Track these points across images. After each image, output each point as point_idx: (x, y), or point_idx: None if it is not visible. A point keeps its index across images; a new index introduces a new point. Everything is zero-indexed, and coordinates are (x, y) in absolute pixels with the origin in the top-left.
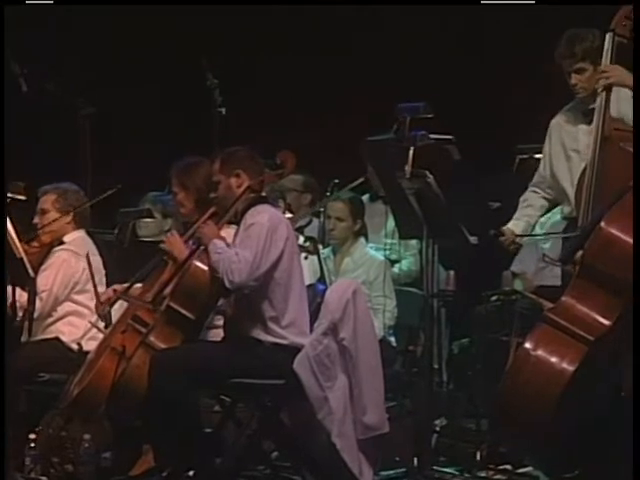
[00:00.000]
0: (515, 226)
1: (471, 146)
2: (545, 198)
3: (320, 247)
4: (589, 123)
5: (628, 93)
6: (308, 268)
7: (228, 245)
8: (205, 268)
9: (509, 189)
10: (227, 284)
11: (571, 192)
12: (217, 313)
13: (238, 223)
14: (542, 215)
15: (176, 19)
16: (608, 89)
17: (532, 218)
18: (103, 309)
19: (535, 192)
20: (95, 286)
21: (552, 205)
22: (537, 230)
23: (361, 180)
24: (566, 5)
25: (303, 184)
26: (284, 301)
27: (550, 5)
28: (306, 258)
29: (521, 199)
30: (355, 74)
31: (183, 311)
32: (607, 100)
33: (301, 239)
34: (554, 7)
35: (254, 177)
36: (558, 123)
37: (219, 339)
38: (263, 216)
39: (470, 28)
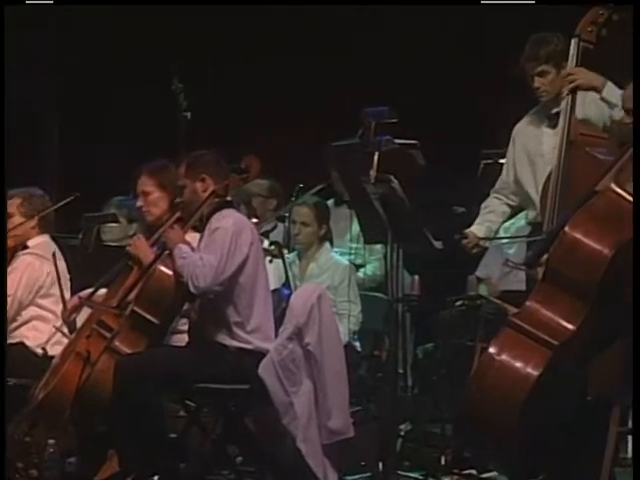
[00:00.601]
0: (478, 230)
1: (436, 151)
2: (507, 204)
3: (285, 252)
4: (553, 127)
5: (594, 96)
6: (273, 273)
7: (193, 250)
8: (170, 273)
9: (474, 194)
10: (192, 289)
11: (536, 197)
12: (182, 317)
13: (203, 228)
14: (505, 221)
15: (141, 22)
16: (574, 92)
17: (494, 224)
18: (69, 317)
19: (497, 198)
20: (62, 292)
21: (515, 211)
22: (501, 235)
23: (322, 186)
24: (566, 5)
25: (269, 189)
26: (249, 306)
27: (550, 5)
28: (271, 261)
29: (482, 205)
30: (320, 78)
31: (148, 316)
32: (573, 104)
33: (266, 243)
34: (554, 7)
35: (219, 182)
36: (522, 128)
37: (183, 344)
38: (228, 220)
39: (470, 28)
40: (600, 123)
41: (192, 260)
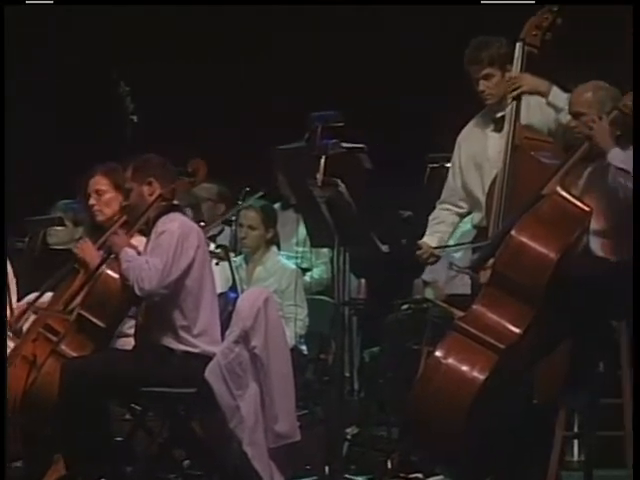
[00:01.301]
0: (430, 240)
1: (382, 155)
2: (457, 213)
3: (232, 255)
4: (499, 131)
5: (539, 100)
6: (220, 276)
7: (139, 253)
8: (116, 276)
9: (420, 198)
10: (137, 291)
11: (483, 201)
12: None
13: (149, 231)
14: (454, 230)
15: (88, 24)
16: (518, 98)
17: (445, 234)
18: (16, 323)
19: (445, 209)
20: (10, 298)
21: (464, 217)
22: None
23: (265, 191)
24: (566, 5)
25: (218, 194)
26: (195, 309)
27: (550, 5)
28: (217, 264)
29: (430, 217)
30: (267, 81)
31: (94, 319)
32: (517, 109)
33: (212, 246)
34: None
35: (166, 185)
36: (467, 132)
37: (130, 347)
38: (174, 224)
39: (470, 28)
40: (545, 127)
41: (138, 263)
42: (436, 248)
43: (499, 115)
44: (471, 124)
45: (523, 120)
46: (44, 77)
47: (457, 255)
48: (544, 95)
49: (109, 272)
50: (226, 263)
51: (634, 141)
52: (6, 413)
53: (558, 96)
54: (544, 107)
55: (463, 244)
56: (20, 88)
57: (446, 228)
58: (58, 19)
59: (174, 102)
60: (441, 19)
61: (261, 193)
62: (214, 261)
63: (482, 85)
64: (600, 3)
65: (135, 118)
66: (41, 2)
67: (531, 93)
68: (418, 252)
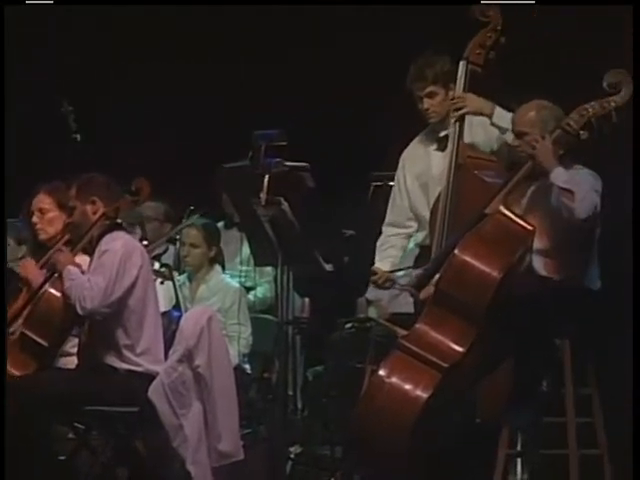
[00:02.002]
0: (383, 265)
1: (325, 173)
2: (406, 235)
3: (176, 274)
4: (442, 149)
5: (481, 119)
6: (163, 295)
7: (83, 272)
8: (59, 295)
9: (363, 216)
10: (79, 310)
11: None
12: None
13: (93, 250)
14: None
15: (88, 24)
16: (461, 118)
17: (396, 258)
18: None
19: (395, 234)
20: None
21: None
22: None
23: (204, 212)
24: (566, 5)
25: (164, 213)
26: (139, 328)
27: (550, 5)
28: (162, 283)
29: (379, 243)
30: (210, 100)
31: (37, 338)
32: (461, 128)
33: (157, 265)
34: (554, 7)
35: (109, 204)
36: (411, 152)
37: (73, 366)
38: (117, 243)
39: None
40: (488, 146)
41: (80, 282)
42: (392, 272)
43: (442, 134)
44: (414, 143)
45: (466, 139)
46: (44, 77)
47: (399, 273)
48: (488, 116)
49: (52, 291)
50: (170, 282)
51: (634, 141)
52: (6, 413)
53: (502, 117)
54: (487, 126)
55: (415, 266)
56: (20, 88)
57: (397, 252)
58: (58, 19)
59: (119, 120)
60: (442, 19)
61: (203, 212)
62: (158, 280)
63: (426, 103)
64: (600, 3)
65: (78, 137)
66: (41, 2)
67: (474, 114)
68: (373, 277)
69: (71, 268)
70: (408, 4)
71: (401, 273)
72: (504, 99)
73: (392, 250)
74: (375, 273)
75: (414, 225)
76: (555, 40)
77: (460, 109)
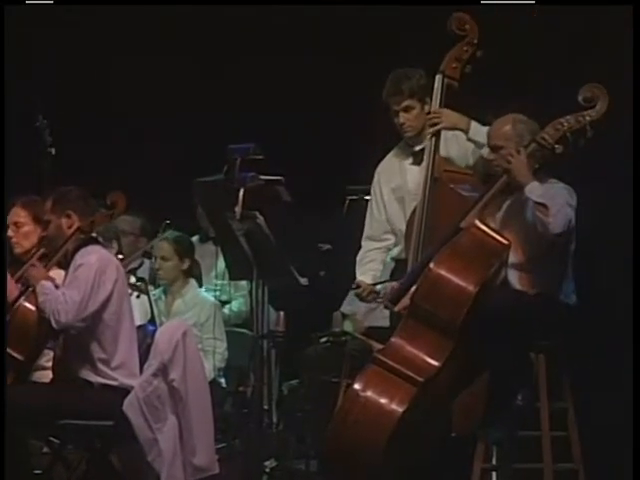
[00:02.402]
0: (365, 278)
1: (301, 187)
2: (385, 249)
3: (151, 288)
4: (418, 163)
5: (456, 133)
6: (139, 309)
7: (57, 286)
8: (34, 309)
9: (339, 230)
10: (54, 324)
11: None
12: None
13: (68, 264)
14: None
15: (88, 24)
16: (437, 135)
17: (377, 272)
18: None
19: (374, 248)
20: None
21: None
22: None
23: (172, 225)
24: (566, 5)
25: (140, 227)
26: (114, 342)
27: (550, 5)
28: (138, 297)
29: (358, 258)
30: (186, 114)
31: (12, 352)
32: (436, 141)
33: (132, 279)
34: (554, 7)
35: (85, 218)
36: (386, 165)
37: (47, 380)
38: (92, 257)
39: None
40: (463, 160)
41: (54, 296)
42: (375, 284)
43: (418, 148)
44: (389, 157)
45: (441, 152)
46: (44, 77)
47: (379, 287)
48: (464, 131)
49: (27, 305)
50: (146, 296)
51: (634, 141)
52: (6, 414)
53: (478, 132)
54: (461, 140)
55: (392, 279)
56: (20, 88)
57: (377, 265)
58: (58, 19)
59: (95, 134)
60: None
61: (175, 225)
62: (134, 294)
63: (402, 117)
64: (600, 3)
65: (53, 151)
66: (41, 2)
67: (450, 129)
68: (357, 291)
69: (45, 283)
70: (383, 17)
71: (381, 286)
72: (480, 113)
73: (373, 264)
74: (359, 286)
75: (392, 238)
76: (535, 50)
77: (436, 124)
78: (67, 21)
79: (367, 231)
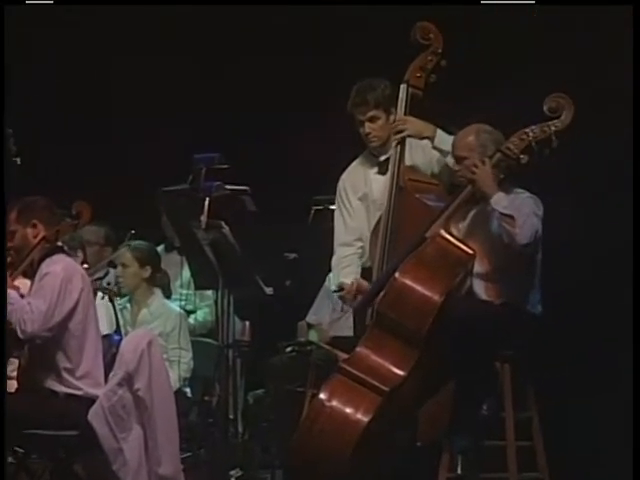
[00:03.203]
0: (347, 279)
1: (266, 197)
2: (359, 255)
3: (117, 298)
4: (383, 173)
5: (421, 142)
6: (105, 318)
7: (22, 296)
8: None
9: (305, 240)
10: (19, 334)
11: (368, 245)
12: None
13: (34, 273)
14: None
15: (88, 24)
16: (402, 143)
17: (356, 274)
18: None
19: (350, 254)
20: None
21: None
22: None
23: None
24: (566, 5)
25: (105, 237)
26: (79, 352)
27: (550, 5)
28: (111, 300)
29: (334, 263)
30: (151, 123)
31: None
32: (402, 150)
33: (104, 283)
34: (554, 7)
35: (50, 227)
36: (351, 175)
37: (13, 390)
38: (58, 266)
39: (470, 28)
40: (428, 169)
41: (20, 305)
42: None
43: (383, 158)
44: (353, 166)
45: (407, 161)
46: (44, 77)
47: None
48: (429, 139)
49: None
50: (110, 305)
51: (634, 142)
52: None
53: (443, 140)
54: (426, 148)
55: None
56: (20, 88)
57: (356, 269)
58: (58, 19)
59: (58, 144)
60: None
61: (134, 233)
62: (100, 298)
63: (367, 127)
64: (600, 3)
65: (18, 160)
66: (41, 2)
67: (416, 137)
68: (342, 293)
69: (11, 292)
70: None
71: None
72: (446, 122)
73: (351, 267)
74: (342, 289)
75: (362, 245)
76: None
77: (401, 132)
78: (67, 21)
79: (340, 238)
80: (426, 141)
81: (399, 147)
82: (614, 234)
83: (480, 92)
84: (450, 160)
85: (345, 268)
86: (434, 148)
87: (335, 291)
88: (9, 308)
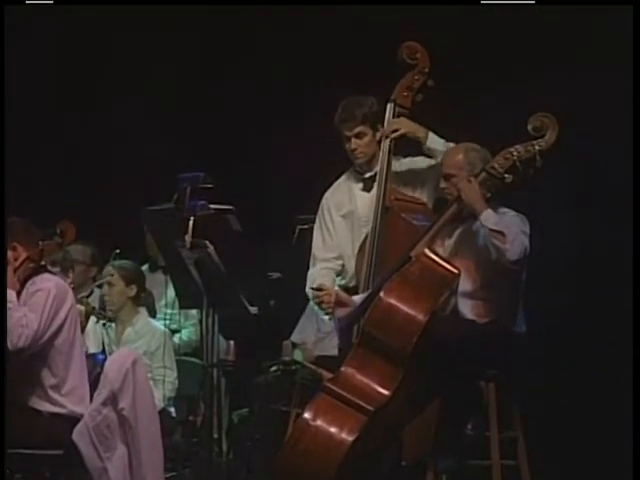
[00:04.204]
0: (326, 280)
1: (251, 216)
2: (336, 272)
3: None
4: (368, 190)
5: (408, 161)
6: (92, 337)
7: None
8: None
9: (289, 259)
10: (9, 345)
11: (352, 262)
12: None
13: (19, 292)
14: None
15: (88, 24)
16: (389, 162)
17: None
18: None
19: (326, 268)
20: None
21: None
22: None
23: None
24: (566, 5)
25: (91, 257)
26: (65, 368)
27: (550, 5)
28: (104, 325)
29: (310, 273)
30: (136, 142)
31: None
32: (388, 168)
33: (89, 301)
34: (554, 7)
35: (30, 248)
36: (335, 193)
37: None
38: (50, 283)
39: (470, 28)
40: (416, 182)
41: (17, 316)
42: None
43: (368, 175)
44: (338, 184)
45: (393, 174)
46: (44, 77)
47: (326, 317)
48: (422, 140)
49: None
50: (97, 324)
51: (634, 142)
52: (6, 412)
53: (435, 140)
54: (413, 170)
55: None
56: (20, 88)
57: (330, 282)
58: (58, 19)
59: (44, 163)
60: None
61: (121, 253)
62: (95, 322)
63: (354, 143)
64: (600, 3)
65: None
66: (41, 2)
67: (410, 136)
68: (318, 293)
69: (10, 292)
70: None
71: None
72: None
73: (326, 278)
74: (320, 289)
75: (340, 263)
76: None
77: (396, 130)
78: (67, 21)
79: (318, 254)
80: (409, 159)
81: (386, 164)
82: (604, 251)
83: (480, 94)
84: (435, 171)
85: (322, 277)
86: (427, 150)
87: (313, 290)
88: (7, 312)
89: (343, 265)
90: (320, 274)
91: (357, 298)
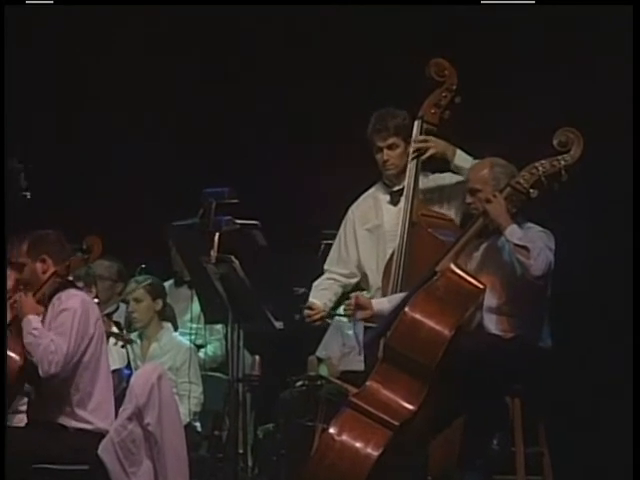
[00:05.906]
0: (318, 300)
1: (276, 231)
2: (341, 285)
3: (130, 346)
4: (395, 204)
5: (435, 177)
6: (117, 353)
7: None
8: (17, 358)
9: (314, 274)
10: (42, 373)
11: (376, 276)
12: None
13: (45, 307)
14: (338, 300)
15: (88, 24)
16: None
17: (329, 302)
18: None
19: (332, 279)
20: None
21: (350, 290)
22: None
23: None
24: (566, 5)
25: (117, 273)
26: (91, 384)
27: (550, 5)
28: (123, 346)
29: (315, 283)
30: (161, 158)
31: None
32: (415, 184)
33: (114, 328)
34: (554, 7)
35: (60, 262)
36: (362, 206)
37: (22, 424)
38: (75, 301)
39: (470, 28)
40: (442, 201)
41: (45, 343)
42: (327, 312)
43: (396, 188)
44: (365, 197)
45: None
46: (44, 77)
47: (350, 332)
48: (450, 158)
49: (11, 355)
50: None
51: (634, 142)
52: (6, 411)
53: (463, 158)
54: (440, 186)
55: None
56: (20, 88)
57: (330, 295)
58: (58, 19)
59: (69, 178)
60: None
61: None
62: (118, 343)
63: (387, 154)
64: (600, 3)
65: (28, 194)
66: (41, 2)
67: (441, 155)
68: (309, 312)
69: (32, 320)
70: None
71: (351, 331)
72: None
73: (327, 292)
74: (311, 308)
75: (353, 279)
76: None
77: (427, 150)
78: (67, 21)
79: (330, 264)
80: (436, 174)
81: (413, 181)
82: (625, 267)
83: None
84: (462, 188)
85: (321, 290)
86: (455, 167)
87: (304, 307)
88: (30, 340)
89: (367, 280)
90: (319, 288)
91: (376, 302)
